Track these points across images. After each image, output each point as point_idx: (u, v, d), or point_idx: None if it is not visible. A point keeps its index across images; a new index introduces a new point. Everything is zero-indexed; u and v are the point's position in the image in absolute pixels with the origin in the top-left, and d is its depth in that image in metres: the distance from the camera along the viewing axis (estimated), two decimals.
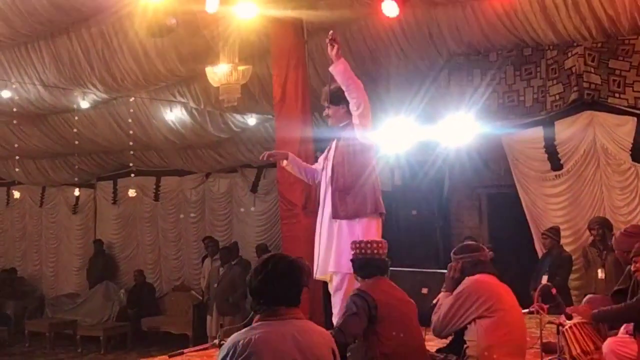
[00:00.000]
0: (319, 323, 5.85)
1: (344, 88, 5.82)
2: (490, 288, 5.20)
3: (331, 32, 5.80)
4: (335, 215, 5.97)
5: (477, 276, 5.24)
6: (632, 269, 5.68)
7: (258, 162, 14.15)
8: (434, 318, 5.32)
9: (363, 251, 5.18)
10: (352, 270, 5.39)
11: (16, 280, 17.38)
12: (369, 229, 5.89)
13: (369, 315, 4.83)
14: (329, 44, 5.77)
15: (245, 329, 3.48)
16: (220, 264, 12.42)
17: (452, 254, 5.50)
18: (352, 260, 5.23)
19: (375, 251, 5.18)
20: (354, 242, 5.28)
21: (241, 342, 3.36)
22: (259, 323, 3.47)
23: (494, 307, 5.10)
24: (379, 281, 5.15)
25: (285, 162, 6.42)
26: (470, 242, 5.67)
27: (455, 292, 5.24)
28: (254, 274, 3.54)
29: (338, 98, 6.00)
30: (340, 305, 5.79)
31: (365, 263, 5.16)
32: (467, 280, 5.23)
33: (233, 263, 12.78)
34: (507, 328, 5.10)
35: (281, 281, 3.49)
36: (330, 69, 5.83)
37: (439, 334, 5.33)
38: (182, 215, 15.83)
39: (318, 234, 6.12)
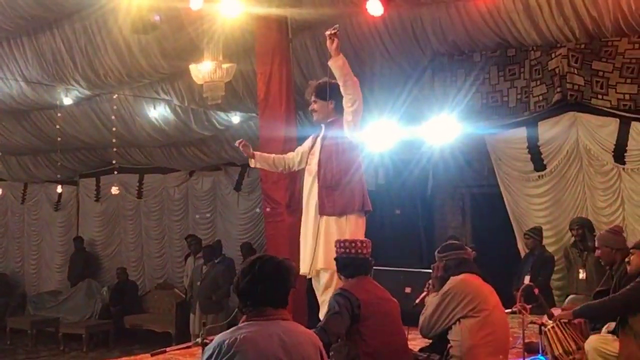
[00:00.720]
0: (302, 320, 5.85)
1: (340, 83, 5.81)
2: (475, 288, 5.22)
3: (336, 25, 5.81)
4: (322, 211, 5.97)
5: (462, 276, 5.27)
6: (626, 260, 5.74)
7: (242, 160, 14.16)
8: (421, 319, 5.33)
9: (347, 250, 5.17)
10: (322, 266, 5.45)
11: None
12: (357, 227, 5.91)
13: (352, 314, 4.83)
14: (328, 38, 5.76)
15: (231, 329, 3.48)
16: (203, 262, 12.37)
17: (436, 252, 5.51)
18: (335, 259, 5.23)
19: (360, 250, 5.18)
20: (338, 241, 5.28)
21: (226, 341, 3.35)
22: (245, 323, 3.46)
23: (479, 307, 5.12)
24: (363, 280, 5.15)
25: (252, 161, 6.47)
26: (453, 241, 5.68)
27: (441, 292, 5.26)
28: (242, 274, 3.53)
29: (325, 93, 6.00)
30: None
31: (349, 262, 5.15)
32: (453, 280, 5.25)
33: (216, 261, 12.72)
34: (490, 328, 5.13)
35: (268, 282, 3.48)
36: (330, 62, 5.82)
37: (426, 334, 5.34)
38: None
39: (304, 229, 6.13)
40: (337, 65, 5.78)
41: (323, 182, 6.00)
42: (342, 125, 5.95)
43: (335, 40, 5.77)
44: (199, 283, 11.97)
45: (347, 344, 4.86)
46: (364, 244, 5.24)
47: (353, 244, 5.20)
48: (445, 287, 5.25)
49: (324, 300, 5.88)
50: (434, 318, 5.20)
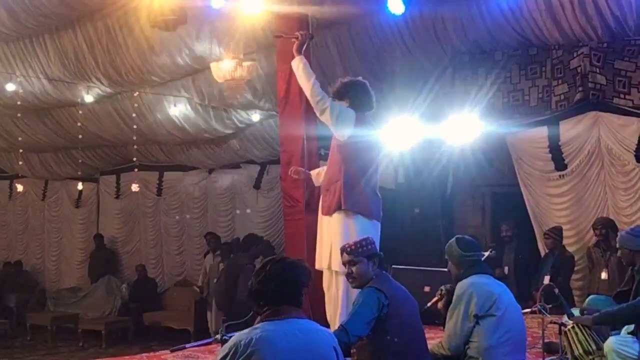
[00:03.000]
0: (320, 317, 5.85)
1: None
2: (485, 288, 5.20)
3: (303, 32, 5.96)
4: (321, 211, 6.15)
5: (470, 278, 5.25)
6: None
7: (261, 158, 14.20)
8: (446, 336, 5.28)
9: (366, 246, 5.14)
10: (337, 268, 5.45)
11: (19, 273, 17.40)
12: (341, 225, 5.97)
13: (379, 313, 4.80)
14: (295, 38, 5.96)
15: (247, 329, 3.50)
16: (220, 260, 12.41)
17: (456, 247, 5.45)
18: (362, 259, 5.13)
19: (373, 244, 5.21)
20: (351, 244, 5.20)
21: (243, 341, 3.36)
22: (261, 323, 3.49)
23: (492, 306, 5.11)
24: (388, 277, 5.15)
25: (315, 182, 6.56)
26: (471, 238, 5.63)
27: (453, 301, 5.24)
28: (255, 276, 3.59)
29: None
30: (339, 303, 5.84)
31: (373, 255, 5.12)
32: (462, 284, 5.23)
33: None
34: (506, 327, 5.12)
35: (280, 281, 3.51)
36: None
37: (458, 347, 5.19)
38: (188, 216, 15.84)
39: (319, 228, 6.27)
40: (293, 67, 5.98)
41: (323, 183, 6.23)
42: None
43: (296, 41, 5.92)
44: (215, 280, 12.00)
45: (372, 342, 4.83)
46: (371, 238, 5.26)
47: (370, 238, 5.21)
48: (457, 292, 5.24)
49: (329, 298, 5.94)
50: (458, 329, 5.16)
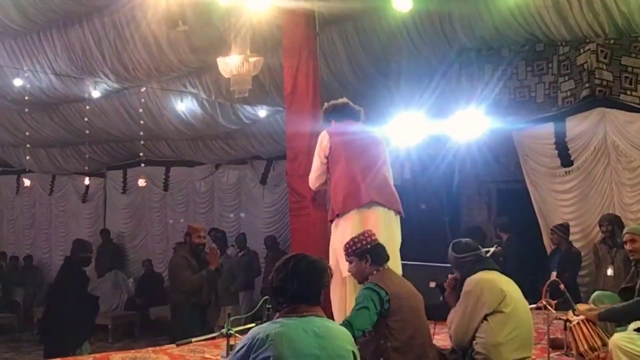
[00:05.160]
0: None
1: None
2: (494, 284, 5.20)
3: None
4: None
5: (478, 274, 5.24)
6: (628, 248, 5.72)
7: (267, 154, 14.23)
8: (452, 331, 5.30)
9: (361, 242, 5.17)
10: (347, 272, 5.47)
11: (29, 267, 17.47)
12: (334, 229, 6.09)
13: (380, 309, 4.82)
14: None
15: (266, 323, 3.53)
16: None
17: (450, 251, 5.47)
18: (357, 255, 5.19)
19: (370, 237, 5.24)
20: (348, 242, 5.28)
21: (260, 335, 3.38)
22: (280, 319, 3.50)
23: (503, 302, 5.11)
24: (390, 273, 5.16)
25: None
26: (467, 240, 5.63)
27: (461, 296, 5.24)
28: (276, 272, 3.59)
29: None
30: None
31: (368, 250, 5.15)
32: (470, 281, 5.23)
33: (240, 254, 12.82)
34: (515, 323, 5.12)
35: (301, 279, 3.52)
36: None
37: (462, 342, 5.23)
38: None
39: None
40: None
41: None
42: None
43: None
44: None
45: (374, 339, 4.86)
46: (369, 232, 5.31)
47: (361, 235, 5.26)
48: (465, 289, 5.23)
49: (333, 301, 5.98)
50: (465, 325, 5.17)
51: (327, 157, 6.12)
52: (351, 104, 6.40)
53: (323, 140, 6.16)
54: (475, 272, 5.26)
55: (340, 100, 6.45)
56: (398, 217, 6.12)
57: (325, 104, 6.50)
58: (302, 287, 3.53)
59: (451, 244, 5.52)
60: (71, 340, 8.28)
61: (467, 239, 5.59)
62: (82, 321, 8.58)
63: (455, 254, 5.41)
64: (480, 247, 5.52)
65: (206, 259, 8.44)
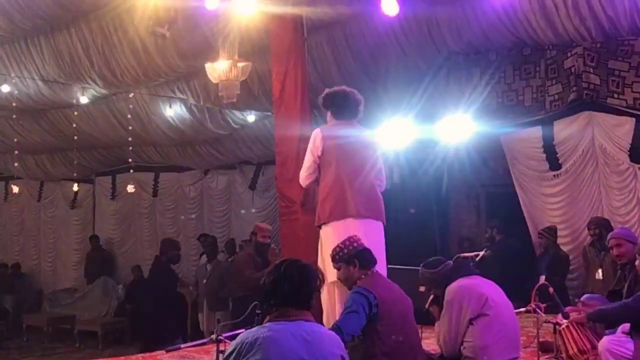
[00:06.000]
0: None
1: None
2: (473, 289, 5.23)
3: None
4: None
5: (457, 282, 5.28)
6: (637, 262, 5.70)
7: (257, 158, 14.22)
8: (440, 342, 5.31)
9: (347, 247, 5.18)
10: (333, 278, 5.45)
11: (17, 275, 17.41)
12: (324, 236, 6.04)
13: (369, 313, 4.83)
14: None
15: (254, 328, 3.53)
16: (207, 261, 12.42)
17: (423, 269, 5.50)
18: (344, 260, 5.18)
19: (355, 241, 5.25)
20: (335, 249, 5.29)
21: (249, 339, 3.39)
22: (268, 323, 3.51)
23: (484, 306, 5.13)
24: (378, 277, 5.17)
25: None
26: (436, 257, 5.68)
27: (444, 306, 5.27)
28: (267, 276, 3.61)
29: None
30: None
31: (355, 254, 5.16)
32: (450, 289, 5.26)
33: (230, 259, 12.78)
34: (500, 325, 5.15)
35: (291, 283, 3.53)
36: None
37: (453, 351, 5.24)
38: (183, 217, 15.85)
39: None
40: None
41: None
42: None
43: None
44: (204, 281, 12.02)
45: (363, 343, 4.87)
46: (354, 237, 5.31)
47: (347, 240, 5.26)
48: (447, 298, 5.26)
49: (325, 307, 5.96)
50: (452, 334, 5.18)
51: (319, 158, 6.07)
52: (352, 96, 6.21)
53: (316, 139, 6.07)
54: (454, 280, 5.29)
55: (341, 92, 6.23)
56: (381, 225, 6.10)
57: (327, 91, 6.25)
58: (292, 291, 3.53)
59: (421, 267, 5.57)
60: (164, 335, 8.80)
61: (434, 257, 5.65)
62: (173, 317, 9.40)
63: (430, 270, 5.45)
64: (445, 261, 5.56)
65: (268, 257, 8.81)
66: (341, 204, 5.91)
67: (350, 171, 6.00)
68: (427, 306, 5.64)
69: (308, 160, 6.16)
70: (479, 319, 5.11)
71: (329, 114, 6.25)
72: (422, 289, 6.82)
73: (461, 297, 5.17)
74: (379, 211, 6.08)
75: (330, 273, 5.55)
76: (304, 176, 6.24)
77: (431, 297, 5.67)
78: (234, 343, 3.49)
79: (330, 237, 5.85)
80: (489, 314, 5.11)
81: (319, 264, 5.97)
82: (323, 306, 5.98)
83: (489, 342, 5.07)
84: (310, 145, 6.15)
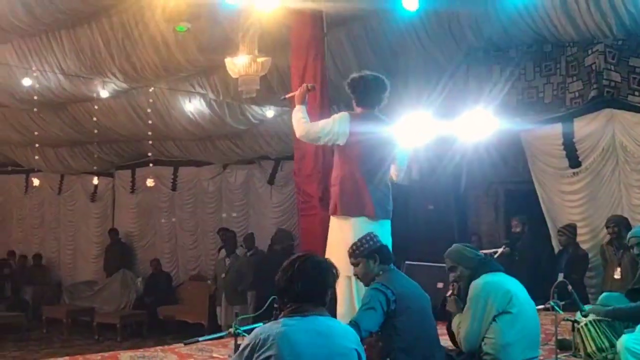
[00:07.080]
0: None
1: None
2: (500, 286, 5.21)
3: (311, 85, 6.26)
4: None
5: (483, 277, 5.25)
6: None
7: (275, 154, 14.24)
8: (461, 338, 5.29)
9: (367, 243, 5.17)
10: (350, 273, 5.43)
11: (38, 267, 17.55)
12: (333, 228, 5.98)
13: (387, 310, 4.82)
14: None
15: (269, 323, 3.55)
16: (226, 255, 12.48)
17: (463, 246, 5.48)
18: (365, 257, 5.18)
19: (374, 238, 5.23)
20: (353, 245, 5.26)
21: (262, 335, 3.41)
22: (283, 319, 3.52)
23: (508, 303, 5.12)
24: (396, 273, 5.17)
25: None
26: (465, 245, 5.64)
27: (468, 301, 5.25)
28: (282, 272, 3.60)
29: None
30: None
31: (376, 250, 5.15)
32: (476, 285, 5.24)
33: (248, 254, 12.84)
34: (522, 324, 5.13)
35: (306, 279, 3.53)
36: None
37: (474, 347, 5.21)
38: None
39: None
40: (293, 114, 6.14)
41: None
42: None
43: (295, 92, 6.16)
44: (223, 275, 12.09)
45: (381, 339, 4.86)
46: (372, 233, 5.29)
47: (367, 236, 5.24)
48: (472, 294, 5.23)
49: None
50: (475, 329, 5.16)
51: (338, 145, 5.94)
52: (381, 84, 6.09)
53: (343, 124, 5.88)
54: (479, 276, 5.27)
55: (373, 80, 6.09)
56: (389, 223, 6.07)
57: (356, 75, 6.12)
58: (308, 287, 3.54)
59: (461, 245, 5.56)
60: None
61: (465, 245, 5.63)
62: None
63: (472, 250, 5.46)
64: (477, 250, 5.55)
65: None
66: (359, 201, 5.87)
67: (369, 169, 5.95)
68: (448, 294, 5.61)
69: (325, 126, 5.91)
70: (503, 316, 5.09)
71: (354, 103, 6.13)
72: (440, 285, 6.82)
73: (487, 293, 5.14)
74: (390, 210, 6.07)
75: (344, 266, 5.57)
76: (308, 128, 6.00)
77: (452, 287, 5.63)
78: (248, 338, 3.51)
79: (345, 230, 5.81)
80: (512, 312, 5.09)
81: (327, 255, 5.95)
82: (338, 299, 5.99)
83: (511, 340, 5.06)
84: (335, 118, 5.95)
